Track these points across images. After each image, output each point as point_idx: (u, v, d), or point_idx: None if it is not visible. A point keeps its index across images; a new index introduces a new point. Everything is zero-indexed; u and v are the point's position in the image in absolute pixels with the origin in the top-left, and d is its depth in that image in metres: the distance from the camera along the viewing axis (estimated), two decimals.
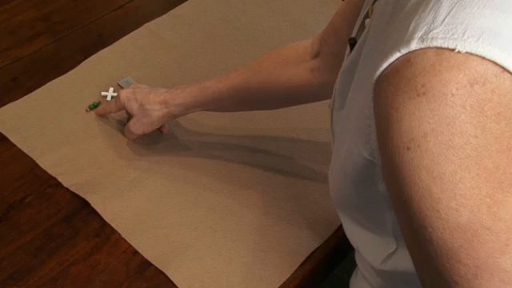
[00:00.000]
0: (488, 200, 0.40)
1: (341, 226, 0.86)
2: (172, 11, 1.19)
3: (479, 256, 0.41)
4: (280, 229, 0.85)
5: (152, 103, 0.88)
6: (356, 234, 0.67)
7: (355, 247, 0.69)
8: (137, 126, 0.90)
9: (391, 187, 0.46)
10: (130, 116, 0.93)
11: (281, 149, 0.96)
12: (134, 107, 0.90)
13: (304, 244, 0.84)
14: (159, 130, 0.96)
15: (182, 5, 1.21)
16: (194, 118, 0.99)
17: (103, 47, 1.09)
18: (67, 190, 0.87)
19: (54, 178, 0.88)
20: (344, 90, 0.62)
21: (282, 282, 0.80)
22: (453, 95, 0.39)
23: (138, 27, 1.14)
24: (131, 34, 1.13)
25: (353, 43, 0.61)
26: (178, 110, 0.88)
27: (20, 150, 0.92)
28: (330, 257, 0.86)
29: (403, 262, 0.61)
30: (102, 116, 0.98)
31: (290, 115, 1.01)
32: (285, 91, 0.84)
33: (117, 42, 1.11)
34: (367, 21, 0.59)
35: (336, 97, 0.65)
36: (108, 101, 1.00)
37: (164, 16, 1.18)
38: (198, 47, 1.12)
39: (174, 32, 1.15)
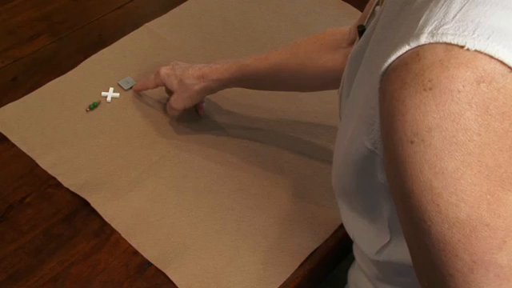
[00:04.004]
0: (488, 197, 0.40)
1: (341, 226, 0.86)
2: (172, 11, 1.19)
3: (476, 251, 0.41)
4: (280, 229, 0.85)
5: (190, 77, 0.91)
6: (353, 224, 0.68)
7: (351, 237, 0.69)
8: (178, 102, 0.92)
9: (392, 179, 0.46)
10: (169, 93, 0.97)
11: (281, 149, 0.96)
12: (173, 83, 0.92)
13: (304, 244, 0.84)
14: (195, 110, 0.99)
15: (182, 5, 1.21)
16: (194, 118, 0.99)
17: (103, 47, 1.09)
18: (67, 189, 0.87)
19: (54, 178, 0.88)
20: (351, 78, 0.62)
21: (282, 282, 0.80)
22: (459, 92, 0.39)
23: (138, 27, 1.14)
24: (131, 33, 1.13)
25: (361, 31, 0.61)
26: (216, 84, 0.90)
27: (20, 149, 0.91)
28: (330, 257, 0.86)
29: (397, 253, 0.62)
30: (139, 93, 1.01)
31: (291, 115, 1.01)
32: (321, 75, 0.85)
33: (117, 42, 1.11)
34: (377, 8, 0.59)
35: (344, 83, 0.66)
36: (108, 101, 1.00)
37: (164, 16, 1.18)
38: (197, 47, 1.12)
39: (174, 32, 1.15)
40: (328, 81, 0.86)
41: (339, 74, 0.82)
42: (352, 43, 0.82)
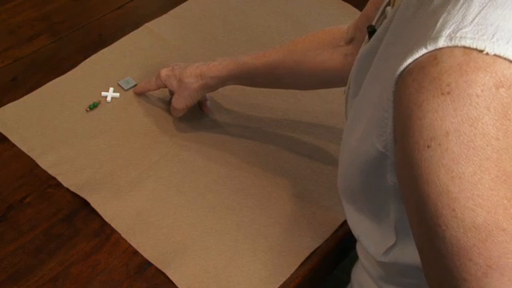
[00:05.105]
0: (505, 202, 0.40)
1: (341, 226, 0.87)
2: (172, 11, 1.19)
3: (491, 256, 0.41)
4: (280, 229, 0.85)
5: (189, 76, 0.91)
6: (358, 224, 0.67)
7: (357, 237, 0.69)
8: (179, 101, 0.93)
9: (405, 182, 0.46)
10: (171, 94, 0.98)
11: (281, 149, 0.96)
12: (173, 83, 0.93)
13: (304, 244, 0.84)
14: (200, 108, 1.00)
15: (182, 5, 1.21)
16: (194, 118, 0.99)
17: (103, 47, 1.09)
18: (67, 189, 0.87)
19: (54, 178, 0.88)
20: (359, 78, 0.62)
21: (282, 282, 0.80)
22: (478, 96, 0.39)
23: (138, 27, 1.14)
24: (131, 33, 1.13)
25: (371, 31, 0.61)
26: (214, 82, 0.91)
27: (20, 149, 0.91)
28: (331, 257, 0.86)
29: (404, 255, 0.61)
30: (140, 94, 1.01)
31: (291, 115, 1.01)
32: (318, 73, 0.85)
33: (117, 42, 1.11)
34: (388, 9, 0.59)
35: (351, 83, 0.65)
36: (108, 101, 1.00)
37: (164, 16, 1.18)
38: (198, 47, 1.12)
39: (174, 32, 1.15)
40: (326, 79, 0.86)
41: (337, 73, 0.83)
42: (350, 42, 0.82)
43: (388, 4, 0.60)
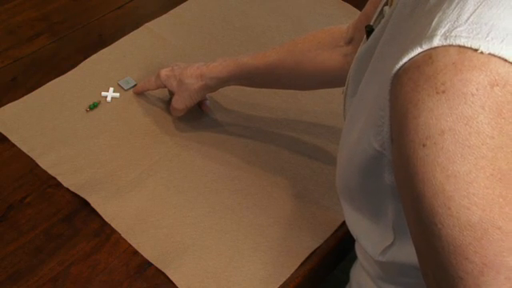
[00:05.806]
0: (501, 200, 0.40)
1: (341, 226, 0.87)
2: (172, 11, 1.19)
3: (487, 254, 0.41)
4: (280, 229, 0.85)
5: (189, 77, 0.91)
6: (356, 224, 0.68)
7: (355, 237, 0.69)
8: (179, 102, 0.93)
9: (402, 181, 0.46)
10: (171, 94, 0.98)
11: (281, 149, 0.96)
12: (173, 84, 0.93)
13: (304, 244, 0.84)
14: (200, 108, 1.00)
15: (182, 5, 1.21)
16: (194, 118, 0.99)
17: (103, 47, 1.09)
18: (67, 189, 0.87)
19: (54, 178, 0.88)
20: (358, 77, 0.62)
21: (282, 282, 0.80)
22: (472, 95, 0.39)
23: (138, 27, 1.14)
24: (131, 33, 1.13)
25: (369, 31, 0.61)
26: (214, 82, 0.91)
27: (20, 149, 0.91)
28: (330, 257, 0.86)
29: (401, 254, 0.62)
30: (139, 94, 1.01)
31: (290, 115, 1.01)
32: (317, 74, 0.85)
33: (117, 42, 1.11)
34: (386, 8, 0.59)
35: (350, 83, 0.66)
36: (108, 101, 1.00)
37: (164, 16, 1.18)
38: (197, 47, 1.12)
39: (174, 32, 1.15)
40: (325, 79, 0.86)
41: (337, 73, 0.83)
42: (350, 42, 0.82)
43: (386, 4, 0.60)
